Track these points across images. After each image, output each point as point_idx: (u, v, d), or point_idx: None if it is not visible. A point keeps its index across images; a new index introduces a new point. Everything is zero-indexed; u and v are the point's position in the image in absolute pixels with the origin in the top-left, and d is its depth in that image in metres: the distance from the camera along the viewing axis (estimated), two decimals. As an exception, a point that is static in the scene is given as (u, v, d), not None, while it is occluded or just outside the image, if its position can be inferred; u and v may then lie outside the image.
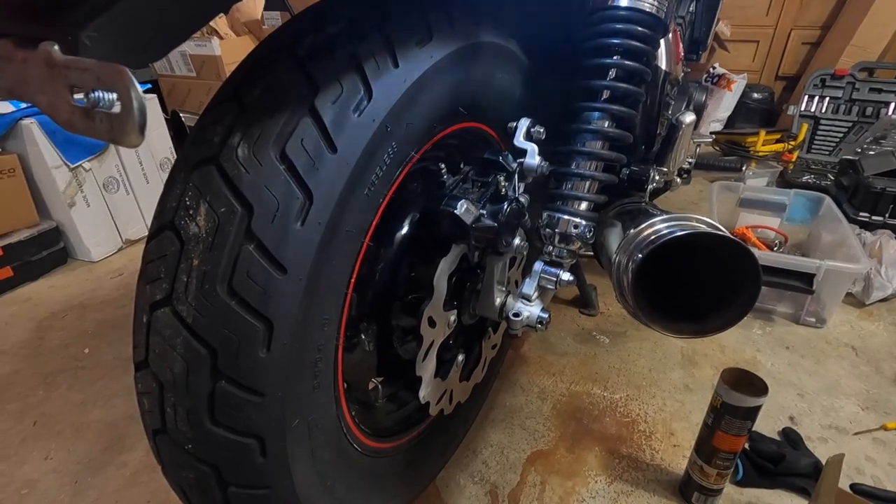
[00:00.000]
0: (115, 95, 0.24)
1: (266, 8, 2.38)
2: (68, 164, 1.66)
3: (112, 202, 1.85)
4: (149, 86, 1.92)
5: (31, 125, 1.57)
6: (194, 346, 0.42)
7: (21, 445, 1.08)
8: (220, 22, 2.18)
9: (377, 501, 0.72)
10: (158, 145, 1.96)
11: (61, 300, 1.62)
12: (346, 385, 0.69)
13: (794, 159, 2.50)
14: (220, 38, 2.15)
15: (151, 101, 1.93)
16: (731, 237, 0.50)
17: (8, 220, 1.65)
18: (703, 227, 0.52)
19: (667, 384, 1.22)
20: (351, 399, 0.69)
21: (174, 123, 1.85)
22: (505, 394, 1.19)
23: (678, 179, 1.29)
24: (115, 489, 0.98)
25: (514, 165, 0.67)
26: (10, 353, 1.37)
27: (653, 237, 0.55)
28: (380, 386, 0.80)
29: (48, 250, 1.74)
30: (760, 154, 2.54)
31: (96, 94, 0.25)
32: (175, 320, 0.42)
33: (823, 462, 0.95)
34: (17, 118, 1.58)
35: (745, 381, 0.82)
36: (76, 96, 0.26)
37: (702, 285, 0.56)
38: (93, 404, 1.18)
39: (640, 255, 0.54)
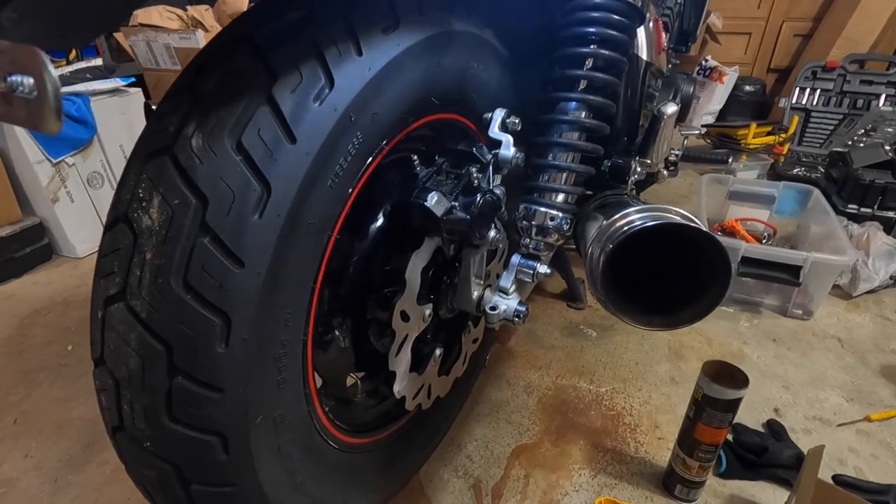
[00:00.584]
0: (32, 80, 0.23)
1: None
2: (50, 159, 1.64)
3: (97, 197, 1.83)
4: (133, 79, 1.89)
5: (11, 120, 1.55)
6: (149, 342, 0.41)
7: (0, 444, 1.07)
8: (205, 14, 2.16)
9: (354, 497, 0.71)
10: (144, 140, 1.94)
11: (45, 297, 1.60)
12: (321, 380, 0.68)
13: (784, 152, 2.50)
14: (206, 30, 2.12)
15: (136, 95, 1.91)
16: (702, 228, 0.49)
17: (-11, 216, 1.63)
18: (675, 219, 0.51)
19: (653, 377, 1.22)
20: (326, 394, 0.68)
21: (147, 115, 1.83)
22: (491, 388, 1.19)
23: (665, 172, 1.28)
24: (96, 487, 0.97)
25: (489, 157, 0.66)
26: (-8, 351, 1.36)
27: (625, 227, 0.54)
28: (359, 381, 0.79)
29: (32, 246, 1.72)
30: (751, 147, 2.54)
31: (13, 78, 0.23)
32: (129, 315, 0.41)
33: (806, 453, 0.95)
34: (-4, 112, 1.55)
35: (726, 374, 0.82)
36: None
37: (676, 277, 0.55)
38: (74, 401, 1.17)
39: (611, 246, 0.53)
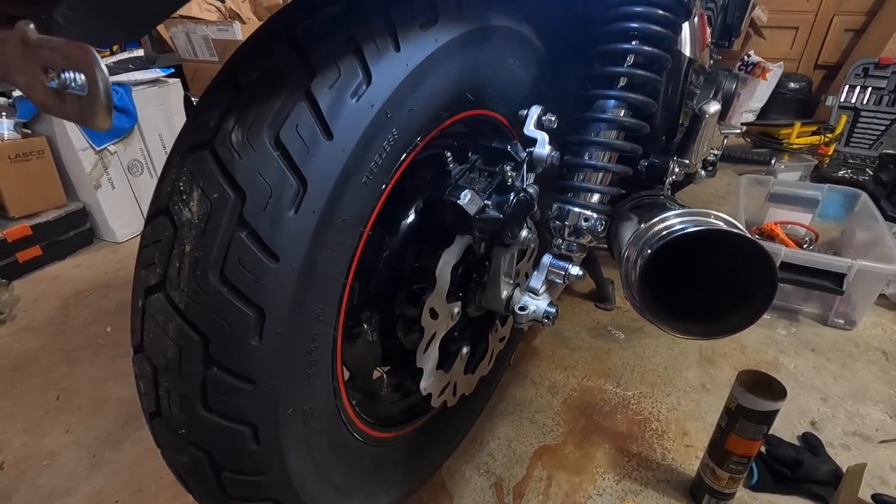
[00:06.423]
0: (83, 77, 0.23)
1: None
2: (94, 146, 1.70)
3: (136, 184, 1.89)
4: (171, 70, 1.94)
5: (58, 108, 1.61)
6: (186, 332, 0.42)
7: (44, 418, 1.12)
8: (242, 6, 2.19)
9: (377, 490, 0.72)
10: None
11: (87, 279, 1.67)
12: (348, 374, 0.69)
13: (830, 153, 2.39)
14: (243, 22, 2.15)
15: (175, 86, 1.96)
16: (747, 235, 0.47)
17: (37, 200, 1.70)
18: (719, 224, 0.49)
19: (682, 383, 1.19)
20: (353, 388, 0.69)
21: (187, 108, 1.87)
22: (515, 386, 1.18)
23: (702, 172, 1.24)
24: (131, 464, 1.01)
25: (523, 155, 0.65)
26: (38, 330, 1.42)
27: (664, 232, 0.52)
28: (385, 376, 0.80)
29: (75, 230, 1.79)
30: (794, 147, 2.43)
31: (66, 74, 0.24)
32: (168, 306, 0.42)
33: (844, 470, 0.91)
34: (45, 101, 1.61)
35: (762, 385, 0.79)
36: (51, 79, 0.26)
37: (716, 284, 0.53)
38: (112, 381, 1.22)
39: (649, 251, 0.52)
